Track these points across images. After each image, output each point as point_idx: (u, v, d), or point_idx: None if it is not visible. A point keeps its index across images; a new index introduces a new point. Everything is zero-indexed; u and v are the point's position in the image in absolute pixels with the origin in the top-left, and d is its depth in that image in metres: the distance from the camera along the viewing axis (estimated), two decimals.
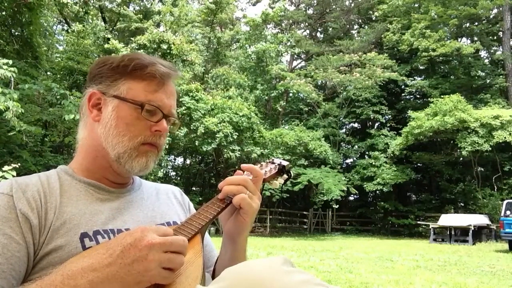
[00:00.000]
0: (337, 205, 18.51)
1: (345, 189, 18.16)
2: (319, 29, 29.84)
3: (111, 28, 19.49)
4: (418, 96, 25.33)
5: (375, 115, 22.60)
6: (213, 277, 0.94)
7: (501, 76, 21.87)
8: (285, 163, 1.03)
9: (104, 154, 0.86)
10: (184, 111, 14.79)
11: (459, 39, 24.04)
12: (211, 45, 22.15)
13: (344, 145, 24.17)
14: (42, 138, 13.44)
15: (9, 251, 0.70)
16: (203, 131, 14.94)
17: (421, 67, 24.08)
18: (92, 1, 15.80)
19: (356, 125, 26.95)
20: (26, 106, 9.91)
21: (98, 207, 0.83)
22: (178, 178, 22.59)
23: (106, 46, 15.07)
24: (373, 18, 25.43)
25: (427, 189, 24.54)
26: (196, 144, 15.53)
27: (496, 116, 16.83)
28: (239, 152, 15.51)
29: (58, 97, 9.70)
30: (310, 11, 28.76)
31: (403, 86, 24.36)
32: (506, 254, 11.09)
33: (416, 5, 23.82)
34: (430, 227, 16.20)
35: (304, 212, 22.32)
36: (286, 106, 24.38)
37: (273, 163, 1.04)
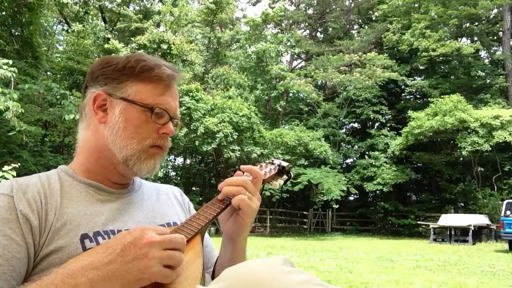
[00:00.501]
0: (337, 205, 18.51)
1: (345, 189, 18.16)
2: (319, 29, 29.84)
3: (111, 28, 19.49)
4: (418, 96, 25.34)
5: (375, 115, 22.60)
6: (213, 277, 0.94)
7: (501, 76, 21.87)
8: (285, 163, 1.03)
9: (109, 155, 0.86)
10: (184, 111, 14.79)
11: (459, 39, 24.04)
12: (211, 45, 22.15)
13: (344, 145, 24.16)
14: (42, 138, 13.44)
15: (9, 252, 0.70)
16: (203, 131, 14.94)
17: (421, 67, 24.08)
18: (92, 1, 15.80)
19: (356, 125, 26.96)
20: (26, 106, 9.91)
21: (99, 208, 0.83)
22: (178, 178, 22.60)
23: (106, 46, 15.08)
24: (373, 18, 25.43)
25: (427, 189, 24.54)
26: (196, 144, 15.54)
27: (496, 116, 16.83)
28: (239, 152, 15.51)
29: (58, 97, 9.70)
30: (310, 11, 28.76)
31: (403, 86, 24.36)
32: (506, 254, 11.09)
33: (416, 5, 23.82)
34: (430, 227, 16.20)
35: (304, 212, 22.32)
36: (286, 106, 24.38)
37: (273, 163, 1.04)
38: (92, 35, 17.24)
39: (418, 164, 22.48)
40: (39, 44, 12.11)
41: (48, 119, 11.85)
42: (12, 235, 0.71)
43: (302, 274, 0.64)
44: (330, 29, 28.72)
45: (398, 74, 21.12)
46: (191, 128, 15.08)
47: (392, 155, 20.08)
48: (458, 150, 18.35)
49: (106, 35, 16.99)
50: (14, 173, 4.36)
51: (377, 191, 22.15)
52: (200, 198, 17.65)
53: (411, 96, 26.01)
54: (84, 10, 14.93)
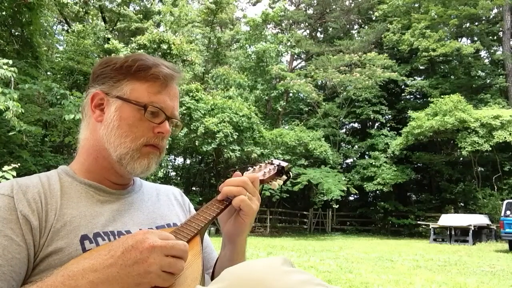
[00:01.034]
0: (337, 205, 18.50)
1: (345, 189, 18.15)
2: (319, 29, 29.83)
3: (111, 28, 19.48)
4: (418, 96, 25.33)
5: (375, 115, 22.59)
6: (212, 278, 0.94)
7: (501, 76, 21.86)
8: (284, 164, 1.03)
9: (106, 155, 0.86)
10: (184, 111, 14.79)
11: (459, 39, 24.03)
12: (211, 45, 22.14)
13: (344, 145, 24.16)
14: (42, 138, 13.44)
15: (9, 252, 0.70)
16: (203, 131, 14.94)
17: (421, 67, 24.07)
18: (92, 1, 15.81)
19: (356, 125, 26.95)
20: (26, 106, 9.91)
21: (99, 209, 0.83)
22: (178, 178, 22.60)
23: (106, 46, 15.07)
24: (373, 18, 25.42)
25: (427, 189, 24.52)
26: (196, 144, 15.53)
27: (496, 116, 16.82)
28: (239, 152, 15.51)
29: (58, 97, 9.69)
30: (310, 11, 28.74)
31: (403, 86, 24.36)
32: (506, 254, 11.09)
33: (416, 5, 23.80)
34: (430, 227, 16.19)
35: (304, 212, 22.31)
36: (286, 106, 24.37)
37: (272, 164, 1.04)
38: (92, 35, 17.23)
39: (418, 164, 22.48)
40: (39, 44, 12.11)
41: (48, 119, 11.83)
42: (12, 235, 0.71)
43: (302, 274, 0.64)
44: (330, 29, 28.71)
45: (398, 74, 21.12)
46: (191, 128, 15.08)
47: (392, 155, 20.08)
48: (458, 150, 18.35)
49: (106, 35, 16.98)
50: (14, 173, 4.36)
51: (377, 191, 22.15)
52: (200, 198, 17.64)
53: (411, 96, 26.00)
54: (84, 10, 14.95)
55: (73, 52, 15.14)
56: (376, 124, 24.92)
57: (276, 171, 1.01)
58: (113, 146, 0.85)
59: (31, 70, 10.78)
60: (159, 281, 0.66)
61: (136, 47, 15.06)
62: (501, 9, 22.35)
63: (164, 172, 21.73)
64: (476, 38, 23.91)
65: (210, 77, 20.67)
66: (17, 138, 10.42)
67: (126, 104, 0.85)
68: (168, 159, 21.13)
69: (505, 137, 16.54)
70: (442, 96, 18.78)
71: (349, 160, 24.94)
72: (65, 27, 20.87)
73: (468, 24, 23.70)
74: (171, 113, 0.88)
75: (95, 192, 0.86)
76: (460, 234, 15.42)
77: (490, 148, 16.87)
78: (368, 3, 25.68)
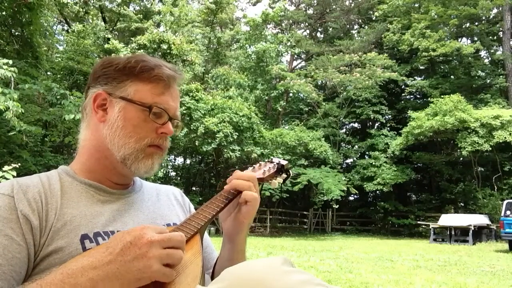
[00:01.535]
0: (337, 205, 18.50)
1: (345, 189, 18.16)
2: (319, 29, 29.83)
3: (111, 28, 19.49)
4: (418, 96, 25.33)
5: (375, 115, 22.59)
6: (213, 278, 0.94)
7: (501, 76, 21.86)
8: (284, 162, 1.03)
9: (108, 155, 0.86)
10: (184, 111, 14.79)
11: (459, 39, 24.03)
12: (211, 45, 22.14)
13: (344, 145, 24.16)
14: (42, 138, 13.44)
15: (10, 252, 0.70)
16: (203, 131, 14.94)
17: (421, 67, 24.07)
18: (92, 1, 15.81)
19: (356, 125, 26.96)
20: (26, 106, 9.92)
21: (99, 209, 0.84)
22: (178, 178, 22.60)
23: (106, 46, 15.08)
24: (373, 18, 25.42)
25: (427, 189, 24.53)
26: (196, 144, 15.54)
27: (496, 116, 16.82)
28: (239, 152, 15.51)
29: (58, 97, 9.70)
30: (310, 11, 28.74)
31: (403, 86, 24.36)
32: (506, 254, 11.09)
33: (416, 5, 23.81)
34: (430, 227, 16.19)
35: (304, 212, 22.31)
36: (286, 106, 24.37)
37: (272, 162, 1.04)
38: (92, 35, 17.23)
39: (418, 164, 22.48)
40: (39, 44, 12.11)
41: (48, 119, 11.84)
42: (13, 235, 0.72)
43: (302, 274, 0.64)
44: (330, 29, 28.72)
45: (398, 74, 21.12)
46: (191, 128, 15.08)
47: (392, 155, 20.08)
48: (458, 150, 18.35)
49: (106, 35, 16.99)
50: (14, 173, 4.36)
51: (377, 191, 22.15)
52: (200, 198, 17.64)
53: (411, 96, 26.00)
54: (84, 10, 14.95)
55: (73, 52, 15.15)
56: (376, 124, 24.92)
57: (275, 169, 1.02)
58: (117, 146, 0.85)
59: (31, 70, 10.78)
60: (160, 275, 0.67)
61: (136, 47, 15.06)
62: (501, 9, 22.35)
63: (164, 172, 21.74)
64: (476, 38, 23.92)
65: (210, 77, 20.68)
66: (17, 138, 10.43)
67: (130, 105, 0.85)
68: (168, 159, 21.14)
69: (505, 137, 16.54)
70: (442, 96, 18.78)
71: (349, 160, 24.95)
72: (65, 27, 20.88)
73: (468, 24, 23.71)
74: (173, 114, 0.89)
75: (96, 192, 0.86)
76: (460, 234, 15.43)
77: (490, 148, 16.87)
78: (368, 3, 25.69)
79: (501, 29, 22.66)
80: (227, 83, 19.69)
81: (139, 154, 0.86)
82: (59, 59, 16.03)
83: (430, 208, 21.34)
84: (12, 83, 7.79)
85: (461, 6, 21.23)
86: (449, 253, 10.97)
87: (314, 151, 17.92)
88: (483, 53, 24.86)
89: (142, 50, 14.66)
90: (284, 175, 1.04)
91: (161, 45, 15.18)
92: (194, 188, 22.12)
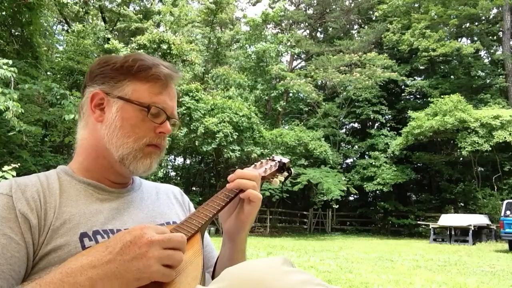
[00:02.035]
0: (337, 205, 18.51)
1: (345, 189, 18.16)
2: (319, 29, 29.84)
3: (111, 28, 19.49)
4: (418, 96, 25.34)
5: (375, 115, 22.60)
6: (213, 277, 0.94)
7: (501, 76, 21.87)
8: (285, 160, 1.03)
9: (106, 154, 0.86)
10: (184, 111, 14.79)
11: (459, 39, 24.04)
12: (211, 45, 22.15)
13: (344, 145, 24.16)
14: (42, 138, 13.45)
15: (8, 251, 0.70)
16: (203, 131, 14.94)
17: (421, 67, 24.08)
18: (92, 1, 15.81)
19: (356, 125, 26.96)
20: (26, 106, 9.92)
21: (98, 207, 0.83)
22: (178, 178, 22.59)
23: (106, 46, 15.08)
24: (373, 18, 25.44)
25: (427, 189, 24.54)
26: (196, 144, 15.54)
27: (496, 116, 16.83)
28: (239, 152, 15.51)
29: (58, 97, 9.70)
30: (310, 11, 28.75)
31: (403, 86, 24.36)
32: (506, 254, 11.09)
33: (416, 5, 23.82)
34: (430, 227, 16.20)
35: (304, 212, 22.32)
36: (286, 106, 24.37)
37: (273, 160, 1.04)
38: (92, 35, 17.23)
39: (418, 164, 22.48)
40: (39, 44, 12.11)
41: (48, 119, 11.84)
42: (11, 234, 0.72)
43: (302, 274, 0.64)
44: (330, 29, 28.72)
45: (398, 74, 21.12)
46: (191, 128, 15.08)
47: (392, 155, 20.08)
48: (458, 150, 18.35)
49: (106, 35, 16.99)
50: (14, 173, 4.36)
51: (377, 191, 22.15)
52: (200, 198, 17.63)
53: (411, 96, 26.00)
54: (84, 10, 14.94)
55: (73, 52, 15.16)
56: (376, 124, 24.93)
57: (277, 167, 1.01)
58: (115, 146, 0.85)
59: (31, 70, 10.78)
60: (159, 275, 0.66)
61: (136, 47, 15.06)
62: (501, 9, 22.36)
63: (164, 172, 21.71)
64: (476, 38, 23.93)
65: (210, 77, 20.68)
66: (17, 138, 10.43)
67: (128, 104, 0.85)
68: (168, 159, 21.14)
69: (505, 137, 16.55)
70: (442, 96, 18.78)
71: (349, 160, 24.96)
72: (65, 27, 20.89)
73: (468, 24, 23.71)
74: (171, 113, 0.89)
75: (94, 191, 0.86)
76: (460, 234, 15.43)
77: (490, 148, 16.87)
78: (368, 3, 25.69)
79: (501, 29, 22.67)
80: (227, 83, 19.69)
81: (137, 154, 0.85)
82: (59, 59, 16.03)
83: (430, 208, 21.35)
84: (12, 83, 7.80)
85: (461, 6, 21.24)
86: (449, 253, 10.97)
87: (314, 151, 17.93)
88: (483, 53, 24.88)
89: (142, 50, 14.65)
90: (285, 174, 1.03)
91: (161, 45, 15.18)
92: (194, 188, 22.12)
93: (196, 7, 23.76)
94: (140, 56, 0.89)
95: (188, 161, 23.18)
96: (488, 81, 22.89)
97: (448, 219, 15.61)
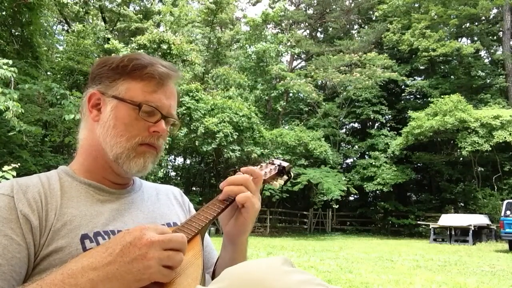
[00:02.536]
0: (337, 205, 18.50)
1: (345, 189, 18.15)
2: (319, 29, 29.84)
3: (111, 28, 19.49)
4: (418, 96, 25.33)
5: (375, 115, 22.60)
6: (213, 278, 0.94)
7: (501, 76, 21.87)
8: (285, 164, 1.03)
9: (103, 154, 0.86)
10: (184, 111, 14.79)
11: (459, 39, 24.04)
12: (211, 45, 22.15)
13: (344, 145, 24.16)
14: (42, 138, 13.44)
15: (9, 252, 0.70)
16: (203, 131, 14.94)
17: (421, 67, 24.08)
18: (92, 1, 15.81)
19: (356, 125, 26.96)
20: (26, 106, 9.92)
21: (99, 208, 0.83)
22: (178, 178, 22.59)
23: (106, 46, 15.08)
24: (373, 18, 25.44)
25: (427, 189, 24.53)
26: (196, 144, 15.54)
27: (496, 116, 16.83)
28: (239, 152, 15.51)
29: (58, 97, 9.70)
30: (310, 11, 28.75)
31: (403, 86, 24.35)
32: (506, 254, 11.09)
33: (416, 5, 23.82)
34: (430, 227, 16.20)
35: (304, 212, 22.31)
36: (286, 106, 24.37)
37: (273, 164, 1.04)
38: (92, 35, 17.23)
39: (418, 164, 22.48)
40: (39, 44, 12.11)
41: (48, 119, 11.84)
42: (13, 235, 0.72)
43: (302, 274, 0.64)
44: (330, 29, 28.72)
45: (398, 74, 21.12)
46: (191, 128, 15.08)
47: (392, 155, 20.08)
48: (458, 150, 18.35)
49: (106, 35, 16.99)
50: (14, 173, 4.36)
51: (377, 191, 22.15)
52: (200, 198, 17.64)
53: (411, 96, 26.00)
54: (84, 10, 14.94)
55: (73, 52, 15.15)
56: (376, 124, 24.92)
57: (277, 171, 1.01)
58: (109, 145, 0.85)
59: (31, 70, 10.78)
60: (159, 276, 0.66)
61: (136, 47, 15.06)
62: (501, 9, 22.37)
63: (164, 172, 21.71)
64: (476, 38, 23.93)
65: (210, 77, 20.68)
66: (17, 138, 10.43)
67: (121, 103, 0.85)
68: (168, 159, 21.12)
69: (505, 137, 16.55)
70: (442, 96, 18.79)
71: (349, 160, 24.95)
72: (65, 27, 20.88)
73: (468, 24, 23.71)
74: (167, 112, 0.88)
75: (95, 192, 0.86)
76: (460, 234, 15.43)
77: (490, 148, 16.87)
78: (368, 3, 25.68)
79: (501, 29, 22.67)
80: (227, 83, 19.69)
81: (130, 153, 0.85)
82: (59, 59, 16.03)
83: (430, 208, 21.34)
84: (12, 83, 7.79)
85: (461, 6, 21.23)
86: (449, 253, 10.97)
87: (314, 151, 17.92)
88: (483, 53, 24.88)
89: (142, 50, 14.65)
90: (285, 177, 1.03)
91: (161, 45, 15.18)
92: (194, 188, 22.12)
93: (196, 7, 23.77)
94: (137, 55, 0.89)
95: (188, 161, 23.18)
96: (488, 81, 22.89)
97: (448, 219, 15.61)
